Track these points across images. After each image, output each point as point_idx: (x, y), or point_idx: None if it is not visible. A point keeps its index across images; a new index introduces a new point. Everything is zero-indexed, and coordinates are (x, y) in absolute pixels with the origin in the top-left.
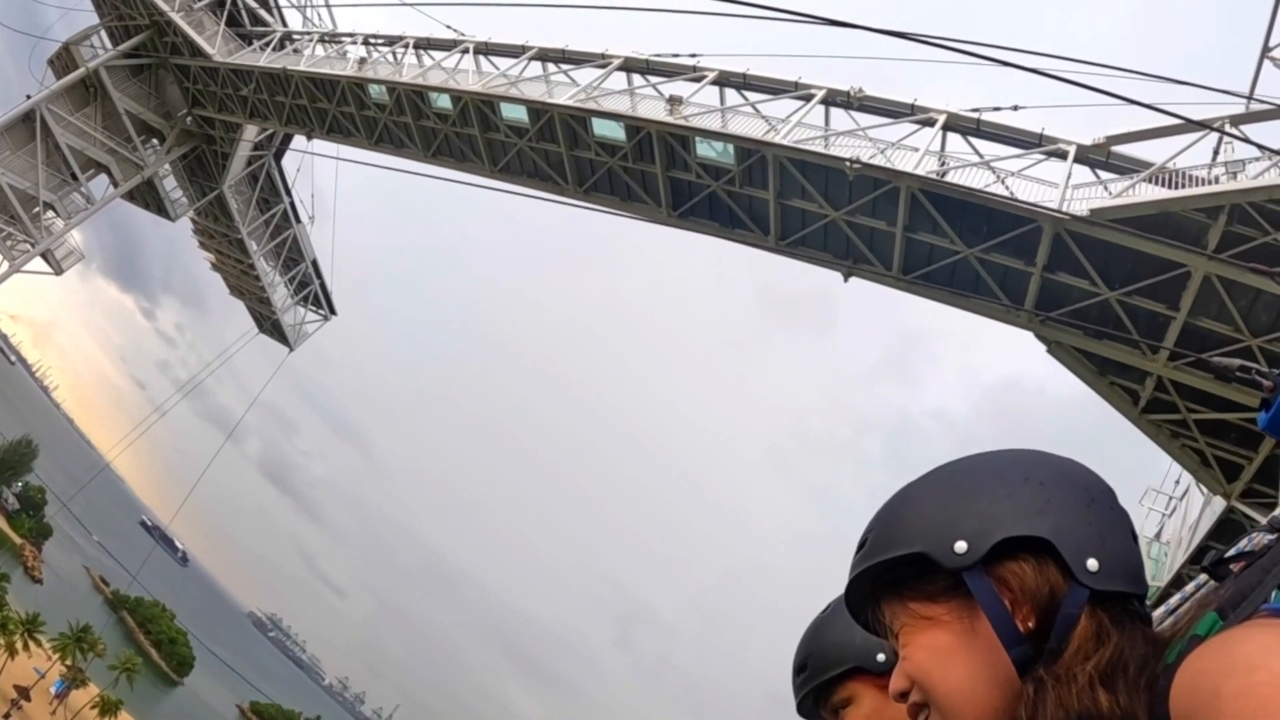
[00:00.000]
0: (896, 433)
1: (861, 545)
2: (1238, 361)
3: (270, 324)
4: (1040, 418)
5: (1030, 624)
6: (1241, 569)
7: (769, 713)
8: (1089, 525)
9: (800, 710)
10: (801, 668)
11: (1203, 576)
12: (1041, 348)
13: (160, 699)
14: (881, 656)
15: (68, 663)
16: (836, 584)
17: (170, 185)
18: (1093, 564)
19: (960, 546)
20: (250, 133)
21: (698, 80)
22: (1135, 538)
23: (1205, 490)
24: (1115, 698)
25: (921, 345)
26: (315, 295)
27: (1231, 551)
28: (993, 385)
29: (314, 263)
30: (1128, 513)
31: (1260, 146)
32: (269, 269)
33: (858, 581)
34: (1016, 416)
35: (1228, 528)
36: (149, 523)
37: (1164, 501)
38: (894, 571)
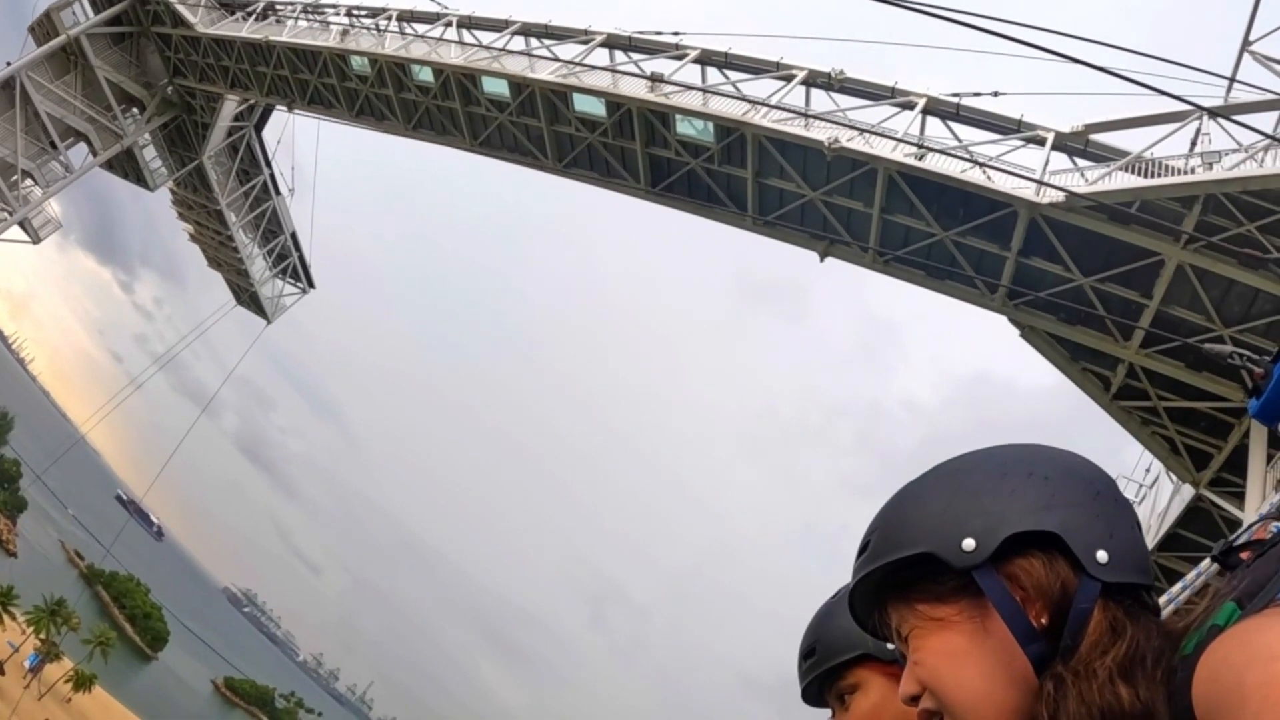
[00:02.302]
0: (867, 420)
1: (864, 548)
2: (1229, 348)
3: (248, 296)
4: (1009, 409)
5: (1044, 620)
6: (1252, 558)
7: (740, 693)
8: (1096, 518)
9: (805, 696)
10: (809, 653)
11: (1204, 564)
12: (1012, 342)
13: (134, 674)
14: (891, 645)
15: (42, 637)
16: (808, 566)
17: (150, 155)
18: (1102, 556)
19: (968, 545)
20: (231, 103)
21: (680, 58)
22: (1140, 528)
23: (1175, 478)
24: (1135, 691)
25: (893, 335)
26: (294, 268)
27: (1240, 540)
28: (963, 377)
29: (293, 235)
30: (1131, 503)
31: (1248, 127)
32: (248, 241)
33: (861, 584)
34: (986, 407)
35: (1196, 516)
36: (124, 497)
37: (1134, 489)
38: (899, 574)
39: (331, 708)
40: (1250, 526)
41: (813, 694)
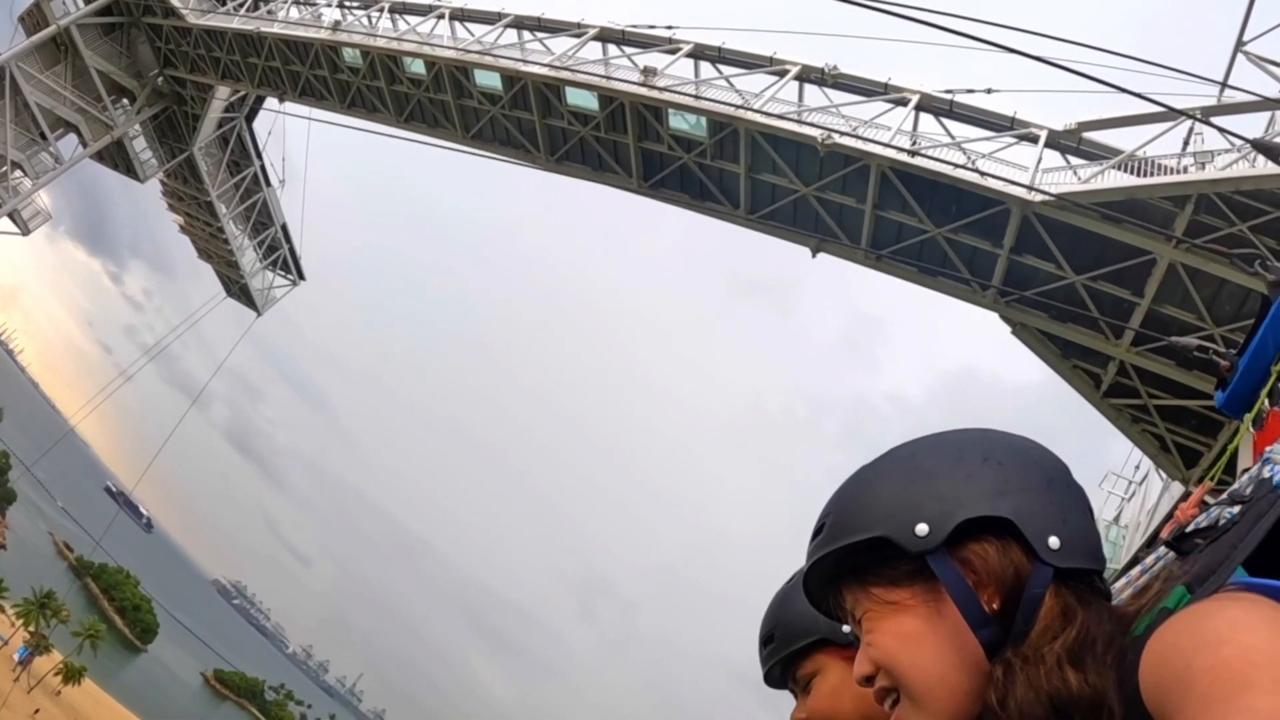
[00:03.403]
0: (853, 414)
1: (819, 531)
2: (1195, 341)
3: (238, 288)
4: (995, 406)
5: (995, 605)
6: (1207, 544)
7: (727, 684)
8: (1049, 504)
9: (768, 681)
10: (768, 639)
11: (1163, 549)
12: (998, 338)
13: (124, 666)
14: (848, 628)
15: (31, 629)
16: (794, 558)
17: (140, 146)
18: (1054, 542)
19: (922, 529)
20: (222, 94)
21: (673, 52)
22: (1092, 513)
23: (1164, 475)
24: (1084, 675)
25: (880, 331)
26: (284, 260)
27: (1193, 526)
28: (949, 372)
29: (283, 227)
30: (1084, 489)
31: (1229, 133)
32: (238, 232)
33: (816, 567)
34: (972, 403)
35: None
36: (113, 488)
37: (1123, 486)
38: (854, 556)
39: (321, 700)
40: (1206, 513)
41: (775, 679)
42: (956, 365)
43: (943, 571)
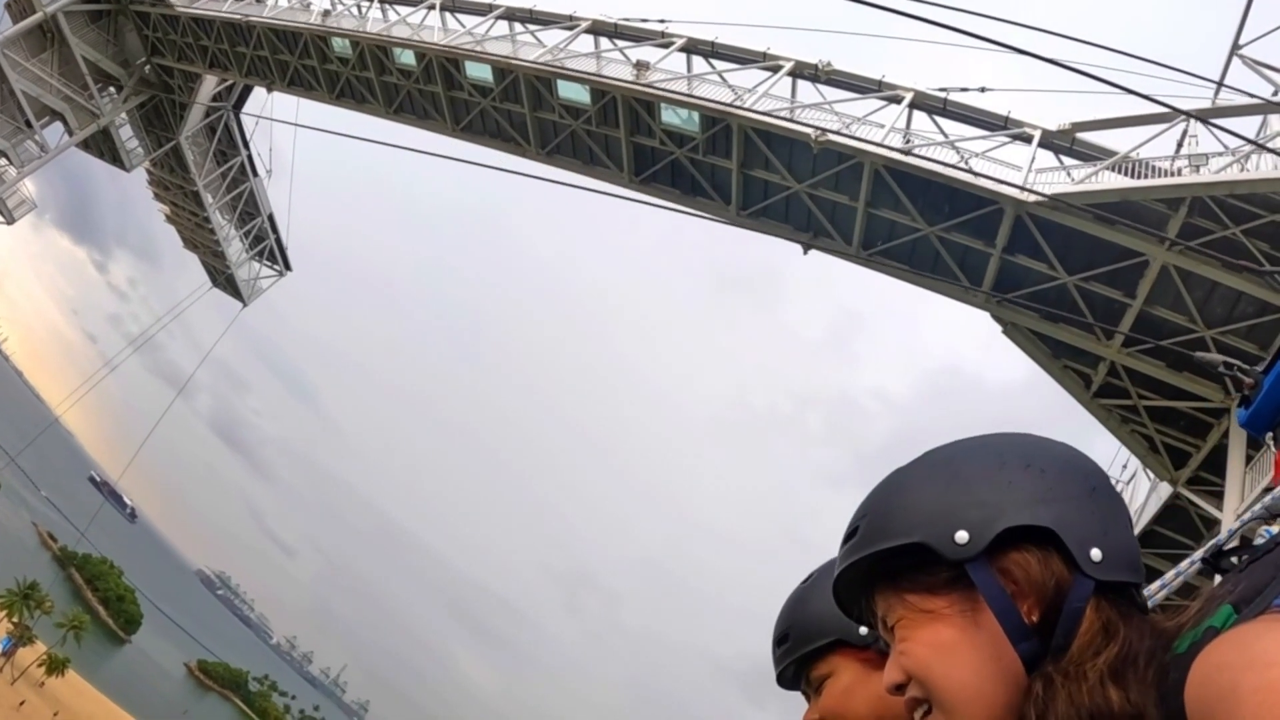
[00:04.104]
0: (837, 410)
1: (851, 534)
2: (1220, 358)
3: (224, 278)
4: (978, 402)
5: (1035, 617)
6: (1245, 562)
7: (710, 676)
8: (1091, 514)
9: (781, 682)
10: (782, 639)
11: (1183, 565)
12: (981, 336)
13: (108, 657)
14: (864, 630)
15: (14, 620)
16: (777, 554)
17: (126, 135)
18: (1096, 554)
19: (962, 536)
20: (209, 84)
21: (666, 46)
22: (1131, 524)
23: (1152, 476)
24: (1126, 694)
25: (864, 327)
26: (270, 250)
27: (1230, 544)
28: (933, 370)
29: (270, 217)
30: (1124, 500)
31: (1231, 132)
32: (224, 223)
33: (848, 571)
34: (955, 401)
35: (1173, 513)
36: (98, 478)
37: None
38: (888, 561)
39: (305, 690)
40: (1236, 530)
41: (788, 680)
42: (939, 362)
43: (983, 581)
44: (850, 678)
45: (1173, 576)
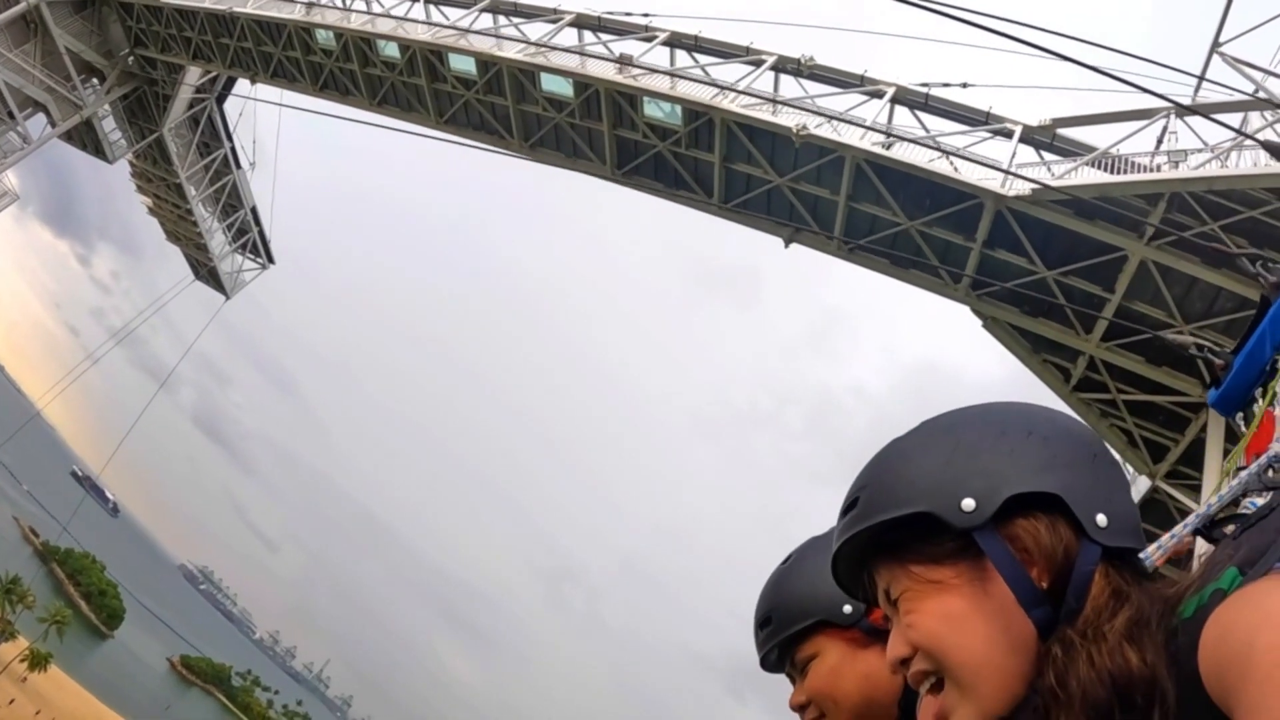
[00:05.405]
0: (816, 406)
1: (850, 506)
2: (1191, 339)
3: (207, 271)
4: (957, 398)
5: (1045, 583)
6: (1237, 530)
7: (691, 668)
8: (1095, 480)
9: (764, 665)
10: (765, 622)
11: (1177, 527)
12: (960, 332)
13: (90, 652)
14: (848, 609)
15: None
16: (758, 547)
17: (109, 127)
18: (1102, 520)
19: (968, 504)
20: (193, 75)
21: (649, 40)
22: (1130, 491)
23: (1132, 469)
24: (1143, 655)
25: (842, 324)
26: (253, 243)
27: (1222, 514)
28: (911, 366)
29: (253, 209)
30: (1123, 467)
31: (1220, 123)
32: (207, 215)
33: (848, 545)
34: (935, 397)
35: (1152, 507)
36: (80, 473)
37: None
38: (889, 533)
39: (288, 685)
40: (1224, 500)
41: (771, 663)
42: (918, 359)
43: (992, 549)
44: (836, 657)
45: (1168, 539)
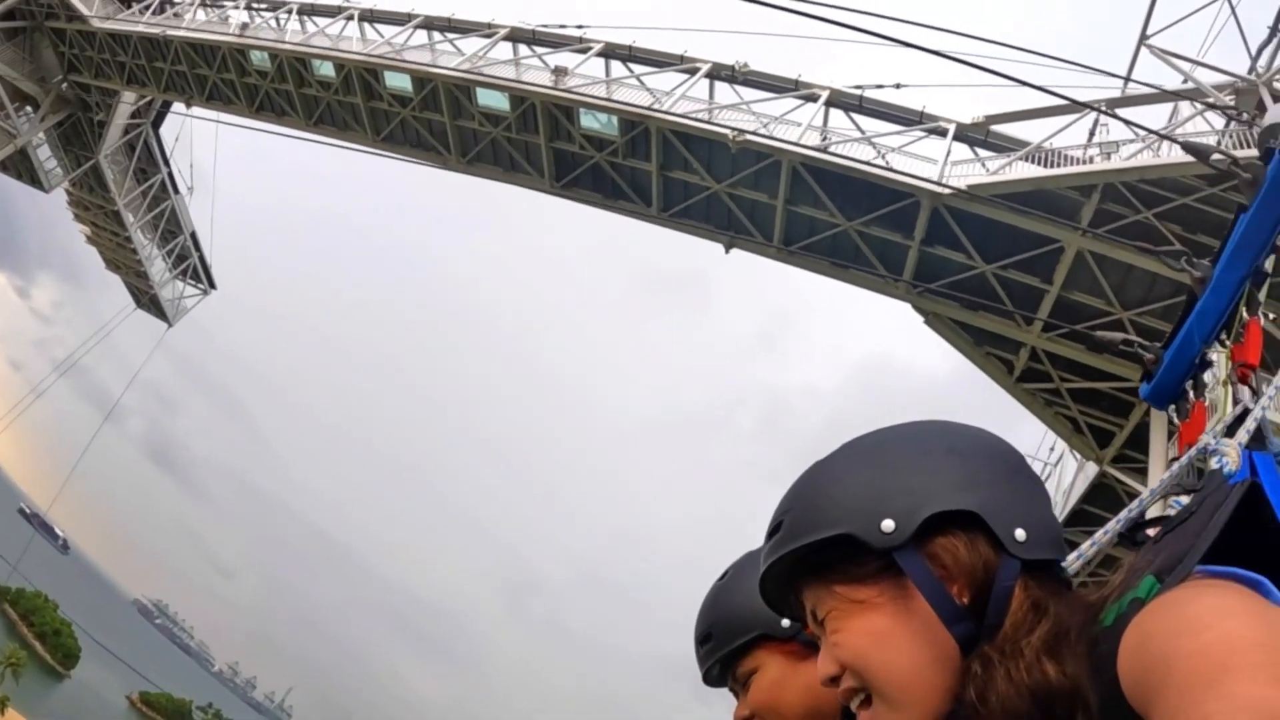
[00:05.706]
0: (767, 408)
1: (775, 530)
2: (1120, 335)
3: (148, 299)
4: (909, 391)
5: (965, 600)
6: (1160, 533)
7: (656, 673)
8: (1014, 495)
9: (707, 680)
10: (706, 638)
11: (1097, 535)
12: (909, 327)
13: (48, 693)
14: (787, 622)
15: None
16: (715, 550)
17: (44, 155)
18: (1021, 534)
19: (888, 525)
20: (128, 100)
21: (584, 51)
22: (1050, 503)
23: (1078, 456)
24: (1062, 667)
25: (793, 324)
26: (194, 269)
27: (1142, 517)
28: (861, 363)
29: (193, 235)
30: (1042, 480)
31: (1130, 124)
32: (146, 242)
33: (774, 567)
34: (885, 393)
35: (1101, 491)
36: (27, 510)
37: (1038, 468)
38: (814, 554)
39: (250, 717)
40: (1145, 504)
41: (714, 678)
42: (868, 355)
43: (912, 568)
44: (777, 670)
45: (1088, 547)
